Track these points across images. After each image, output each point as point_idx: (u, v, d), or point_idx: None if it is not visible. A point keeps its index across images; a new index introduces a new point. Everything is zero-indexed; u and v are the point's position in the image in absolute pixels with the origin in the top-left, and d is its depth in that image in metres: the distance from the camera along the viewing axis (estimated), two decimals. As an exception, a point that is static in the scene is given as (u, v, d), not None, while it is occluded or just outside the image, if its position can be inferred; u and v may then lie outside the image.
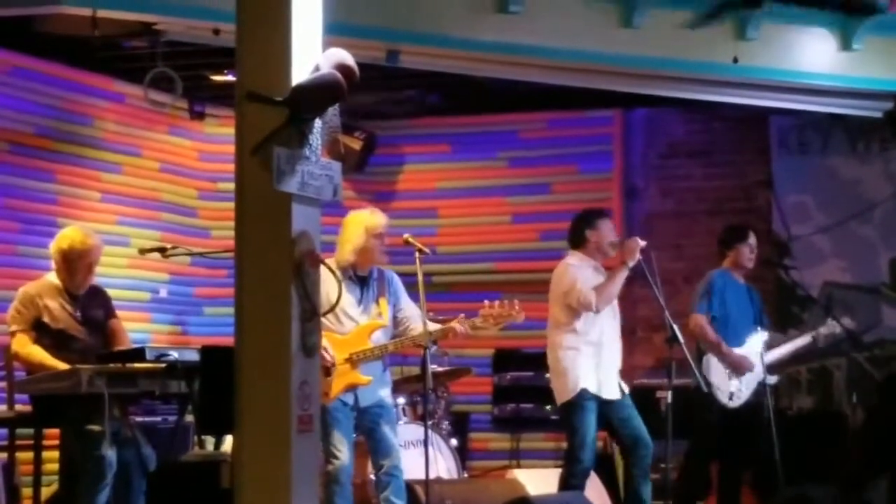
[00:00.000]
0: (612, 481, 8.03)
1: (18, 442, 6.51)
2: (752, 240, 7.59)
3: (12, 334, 6.24)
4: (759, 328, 7.44)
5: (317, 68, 4.42)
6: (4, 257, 7.80)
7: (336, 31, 4.91)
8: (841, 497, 5.19)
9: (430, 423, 6.76)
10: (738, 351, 7.35)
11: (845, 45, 7.73)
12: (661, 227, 9.61)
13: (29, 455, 6.33)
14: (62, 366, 5.98)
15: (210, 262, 8.72)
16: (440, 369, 7.94)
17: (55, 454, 6.33)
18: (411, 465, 6.75)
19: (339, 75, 4.41)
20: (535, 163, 9.76)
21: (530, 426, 9.53)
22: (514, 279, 9.50)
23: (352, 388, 6.37)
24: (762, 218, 9.64)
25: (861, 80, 7.94)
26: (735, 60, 7.38)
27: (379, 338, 6.45)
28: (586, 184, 9.65)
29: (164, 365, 5.74)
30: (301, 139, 4.40)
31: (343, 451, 6.28)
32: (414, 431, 7.39)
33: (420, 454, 6.59)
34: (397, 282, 6.60)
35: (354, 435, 6.50)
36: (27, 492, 6.64)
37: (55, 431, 6.26)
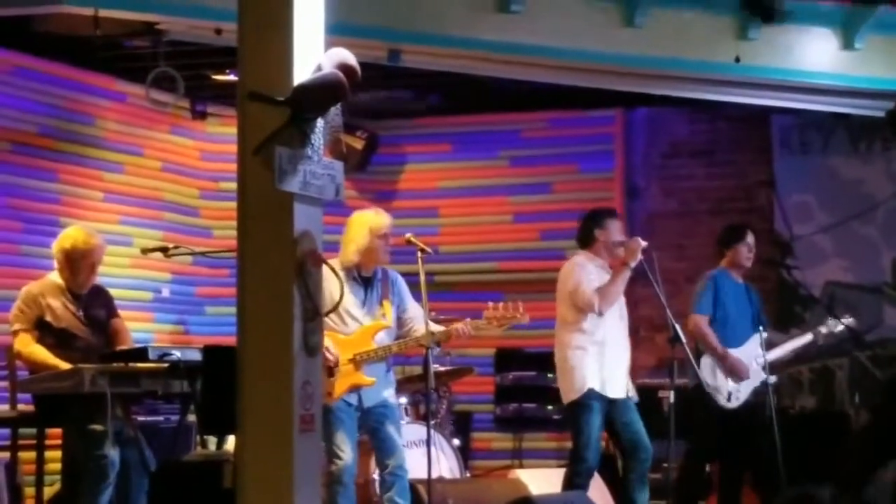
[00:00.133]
0: (615, 481, 8.02)
1: (21, 441, 6.53)
2: (751, 239, 7.56)
3: (15, 333, 6.24)
4: (758, 328, 7.43)
5: (319, 68, 4.42)
6: (7, 257, 7.80)
7: (338, 30, 4.91)
8: (840, 496, 5.18)
9: (432, 422, 6.76)
10: (736, 352, 7.32)
11: (847, 44, 7.73)
12: (663, 227, 9.61)
13: (31, 454, 6.35)
14: (64, 365, 5.98)
15: (212, 261, 8.71)
16: (442, 369, 7.94)
17: (58, 454, 6.34)
18: (414, 465, 6.74)
19: (341, 75, 4.41)
20: (537, 162, 9.76)
21: (533, 426, 9.53)
22: (515, 278, 9.50)
23: (355, 388, 6.36)
24: (764, 217, 9.64)
25: (863, 80, 7.93)
26: (737, 60, 7.38)
27: (383, 339, 6.44)
28: (588, 183, 9.65)
29: (166, 364, 5.75)
30: (303, 139, 4.40)
31: (346, 452, 6.27)
32: (416, 431, 7.39)
33: (422, 454, 6.59)
34: (401, 282, 6.59)
35: (357, 435, 6.50)
36: (30, 491, 6.65)
37: (58, 431, 6.27)
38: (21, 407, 6.54)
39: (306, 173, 4.38)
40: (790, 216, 9.62)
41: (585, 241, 6.96)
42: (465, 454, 8.78)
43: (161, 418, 6.51)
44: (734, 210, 9.56)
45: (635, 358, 7.22)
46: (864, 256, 9.40)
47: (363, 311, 6.43)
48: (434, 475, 6.65)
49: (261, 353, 4.34)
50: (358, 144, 9.39)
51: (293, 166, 4.33)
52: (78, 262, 6.29)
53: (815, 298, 9.34)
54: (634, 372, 7.27)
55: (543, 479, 7.65)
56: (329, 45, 4.53)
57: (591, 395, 6.68)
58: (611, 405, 6.74)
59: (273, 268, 4.35)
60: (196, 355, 5.65)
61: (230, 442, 5.23)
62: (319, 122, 4.47)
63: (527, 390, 9.51)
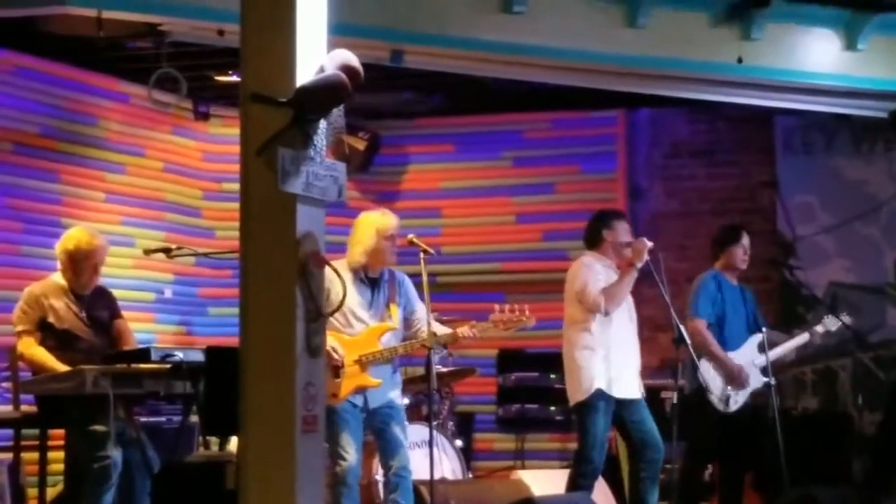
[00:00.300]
0: (617, 482, 8.03)
1: (24, 442, 6.53)
2: (746, 241, 7.49)
3: (18, 335, 6.24)
4: (754, 330, 7.41)
5: (321, 69, 4.42)
6: (8, 257, 7.80)
7: (340, 31, 4.90)
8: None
9: (434, 423, 6.76)
10: (734, 355, 7.29)
11: (850, 44, 7.73)
12: (666, 228, 9.61)
13: (34, 455, 6.35)
14: (66, 368, 5.97)
15: (215, 262, 8.72)
16: (444, 370, 7.94)
17: (60, 455, 6.34)
18: (416, 466, 6.74)
19: (343, 76, 4.40)
20: (539, 163, 9.76)
21: (535, 427, 9.53)
22: (517, 279, 9.51)
23: (361, 390, 6.35)
24: (767, 218, 9.64)
25: (866, 80, 7.94)
26: (739, 60, 7.38)
27: (389, 340, 6.43)
28: (590, 184, 9.65)
29: (168, 365, 5.74)
30: (306, 140, 4.40)
31: (351, 453, 6.26)
32: (418, 432, 7.39)
33: (425, 455, 6.59)
34: (408, 284, 6.58)
35: (362, 437, 6.49)
36: (32, 492, 6.65)
37: (60, 432, 6.27)
38: (24, 408, 6.54)
39: (309, 174, 4.38)
40: (793, 217, 9.62)
41: (593, 241, 6.96)
42: (468, 455, 8.78)
43: (163, 419, 6.50)
44: (737, 210, 9.56)
45: (637, 358, 7.21)
46: (866, 257, 9.40)
47: (370, 312, 6.42)
48: (436, 476, 6.65)
49: (263, 353, 4.34)
50: (360, 145, 9.39)
51: (296, 167, 4.33)
52: (81, 263, 6.29)
53: (817, 299, 9.34)
54: (637, 372, 7.26)
55: (546, 480, 7.65)
56: (331, 46, 4.53)
57: (599, 395, 6.67)
58: (620, 405, 6.74)
59: (276, 269, 4.35)
60: (199, 356, 5.64)
61: (233, 443, 5.23)
62: (322, 124, 4.47)
63: (529, 391, 9.51)
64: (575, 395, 6.76)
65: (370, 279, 6.46)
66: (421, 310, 6.52)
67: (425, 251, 6.46)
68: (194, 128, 9.41)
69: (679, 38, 7.48)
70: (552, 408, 9.35)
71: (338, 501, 6.24)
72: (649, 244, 6.73)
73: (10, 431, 6.61)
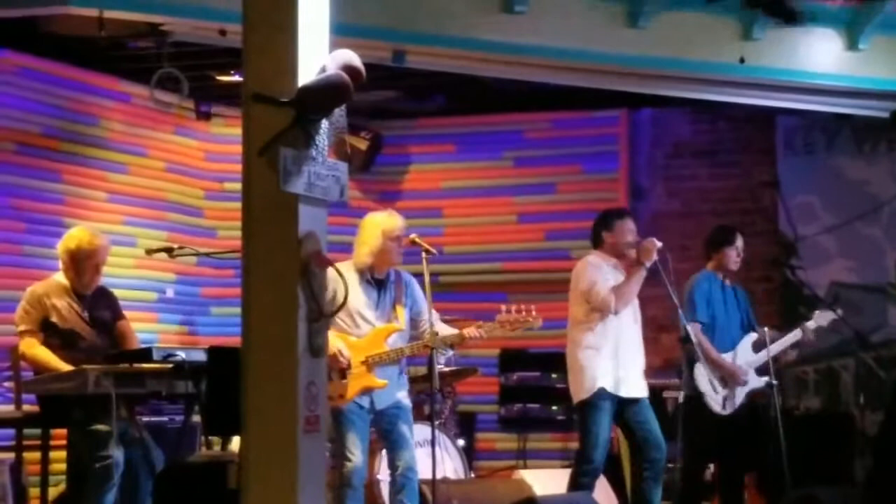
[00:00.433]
0: (619, 482, 8.03)
1: (26, 442, 6.53)
2: (740, 242, 7.45)
3: (20, 334, 6.25)
4: (747, 330, 7.39)
5: (323, 69, 4.42)
6: (10, 257, 7.80)
7: (342, 31, 4.90)
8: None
9: (436, 423, 6.76)
10: (729, 356, 7.28)
11: (851, 44, 7.74)
12: (667, 228, 9.59)
13: (36, 455, 6.35)
14: (68, 368, 5.97)
15: (217, 262, 8.72)
16: (447, 369, 7.94)
17: (62, 454, 6.34)
18: (418, 465, 6.74)
19: (345, 76, 4.40)
20: (541, 163, 9.77)
21: (537, 426, 9.53)
22: (519, 279, 9.51)
23: (367, 391, 6.35)
24: (768, 218, 9.64)
25: (867, 80, 7.94)
26: (741, 61, 7.38)
27: (395, 341, 6.43)
28: (592, 184, 9.66)
29: (171, 365, 5.74)
30: (307, 140, 4.40)
31: (357, 454, 6.26)
32: (420, 431, 7.38)
33: (427, 454, 6.59)
34: (415, 284, 6.58)
35: (368, 438, 6.49)
36: (34, 492, 6.65)
37: (62, 431, 6.27)
38: (26, 407, 6.54)
39: (311, 174, 4.38)
40: (794, 217, 9.61)
41: (595, 242, 6.98)
42: (470, 454, 8.78)
43: (166, 419, 6.51)
44: (738, 211, 9.56)
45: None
46: (868, 257, 9.40)
47: (376, 313, 6.42)
48: (438, 475, 6.66)
49: (265, 353, 4.34)
50: (362, 145, 9.39)
51: (298, 167, 4.33)
52: (83, 263, 6.29)
53: (819, 298, 9.33)
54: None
55: (548, 480, 7.66)
56: (334, 46, 4.53)
57: (602, 394, 6.67)
58: (624, 405, 6.74)
59: (278, 269, 4.35)
60: (201, 356, 5.64)
61: (235, 443, 5.23)
62: (324, 124, 4.47)
63: (531, 391, 9.51)
64: (578, 394, 6.76)
65: (376, 280, 6.46)
66: (426, 311, 6.52)
67: (427, 251, 6.47)
68: (196, 128, 9.41)
69: (680, 38, 7.48)
70: (554, 407, 9.35)
71: (342, 503, 6.23)
72: (658, 244, 6.74)
73: (12, 431, 6.61)
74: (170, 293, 9.07)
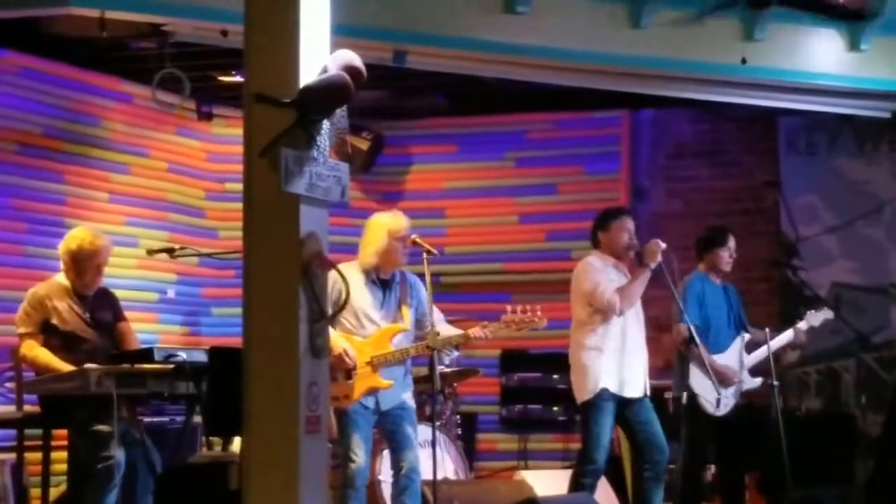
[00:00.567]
0: (620, 482, 8.03)
1: (27, 442, 6.53)
2: (732, 243, 7.41)
3: (21, 337, 6.24)
4: (740, 331, 7.38)
5: (324, 70, 4.42)
6: (12, 258, 7.81)
7: (343, 32, 4.91)
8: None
9: (437, 423, 6.76)
10: (721, 357, 7.26)
11: (853, 45, 7.73)
12: (669, 228, 9.57)
13: (37, 455, 6.35)
14: (70, 368, 5.97)
15: (218, 262, 8.73)
16: (448, 370, 7.94)
17: (63, 455, 6.34)
18: (420, 466, 6.75)
19: (346, 77, 4.40)
20: (542, 163, 9.77)
21: (538, 427, 9.53)
22: (521, 279, 9.52)
23: (372, 391, 6.34)
24: (770, 218, 9.64)
25: (869, 81, 7.94)
26: (743, 61, 7.38)
27: (400, 341, 6.43)
28: (593, 184, 9.66)
29: (172, 366, 5.74)
30: (309, 140, 4.40)
31: (360, 455, 6.25)
32: (422, 432, 7.38)
33: (428, 455, 6.59)
34: (420, 285, 6.57)
35: (372, 439, 6.49)
36: (35, 492, 6.66)
37: (64, 432, 6.27)
38: (27, 408, 6.54)
39: (312, 175, 4.38)
40: (796, 217, 9.61)
41: (593, 242, 6.99)
42: (471, 455, 8.79)
43: (167, 419, 6.51)
44: (740, 211, 9.56)
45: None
46: (870, 257, 9.39)
47: (381, 313, 6.42)
48: (439, 476, 6.66)
49: (267, 354, 4.34)
50: (363, 145, 9.39)
51: (299, 168, 4.33)
52: (84, 264, 6.29)
53: (820, 299, 9.32)
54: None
55: (549, 481, 7.65)
56: (335, 46, 4.54)
57: (605, 395, 6.67)
58: (627, 405, 6.74)
59: (279, 269, 4.35)
60: (202, 356, 5.64)
61: (236, 443, 5.23)
62: (325, 124, 4.47)
63: (532, 391, 9.51)
64: (581, 395, 6.76)
65: (382, 280, 6.45)
66: (433, 311, 6.52)
67: (429, 251, 6.47)
68: (198, 128, 9.42)
69: (682, 38, 7.47)
70: (555, 408, 9.35)
71: (345, 503, 6.23)
72: (663, 245, 6.73)
73: (13, 432, 6.61)
74: (171, 294, 9.07)
